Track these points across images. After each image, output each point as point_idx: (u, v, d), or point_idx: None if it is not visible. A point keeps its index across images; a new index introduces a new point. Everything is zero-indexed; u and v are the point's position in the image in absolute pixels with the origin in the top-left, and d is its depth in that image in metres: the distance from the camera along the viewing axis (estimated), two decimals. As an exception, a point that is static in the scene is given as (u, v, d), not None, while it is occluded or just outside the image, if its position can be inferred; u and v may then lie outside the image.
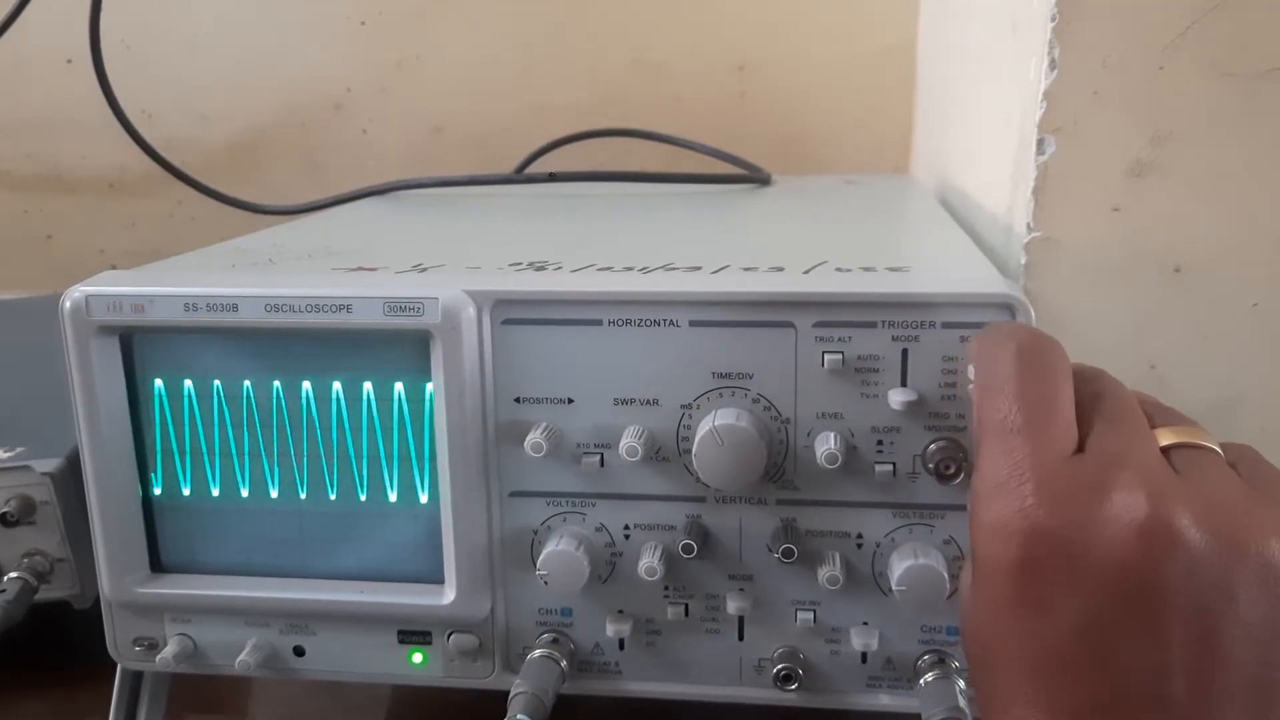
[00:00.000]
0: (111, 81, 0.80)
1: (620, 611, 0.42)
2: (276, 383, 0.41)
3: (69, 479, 0.50)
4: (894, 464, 0.38)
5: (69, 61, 0.97)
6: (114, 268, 0.44)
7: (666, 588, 0.41)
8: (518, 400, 0.40)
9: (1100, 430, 0.30)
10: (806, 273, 0.39)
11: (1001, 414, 0.30)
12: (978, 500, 0.30)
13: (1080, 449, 0.30)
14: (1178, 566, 0.27)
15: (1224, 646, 0.27)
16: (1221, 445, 0.32)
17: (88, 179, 1.03)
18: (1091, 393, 0.32)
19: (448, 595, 0.41)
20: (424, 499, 0.42)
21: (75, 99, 0.89)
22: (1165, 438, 0.31)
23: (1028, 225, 0.45)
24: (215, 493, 0.43)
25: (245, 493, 0.43)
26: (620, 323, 0.38)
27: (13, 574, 0.50)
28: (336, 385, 0.41)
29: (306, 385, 0.41)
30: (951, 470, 0.37)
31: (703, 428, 0.38)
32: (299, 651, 0.44)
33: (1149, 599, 0.27)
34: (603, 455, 0.40)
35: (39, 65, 0.99)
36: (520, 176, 0.79)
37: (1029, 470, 0.29)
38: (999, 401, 0.31)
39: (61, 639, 0.56)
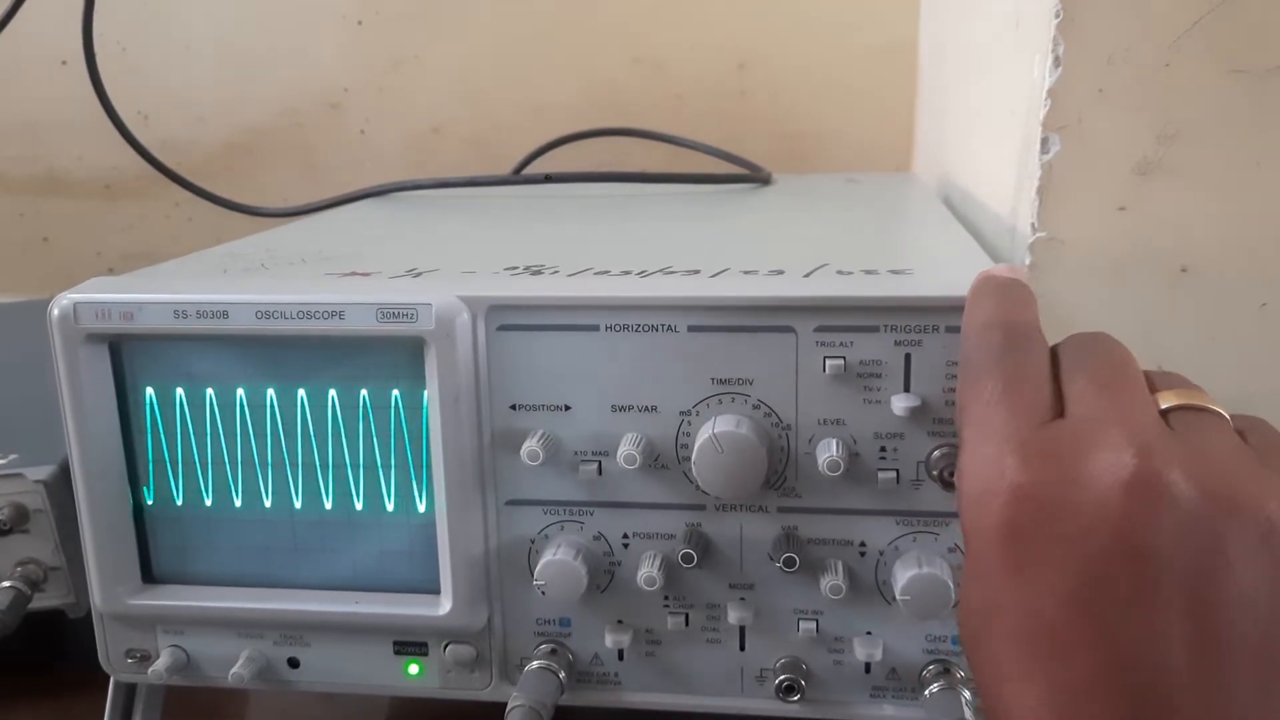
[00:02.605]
0: (107, 83, 0.80)
1: (619, 621, 0.41)
2: (269, 390, 0.41)
3: (63, 487, 0.49)
4: (897, 471, 0.37)
5: (64, 63, 0.97)
6: (111, 271, 0.43)
7: (666, 597, 0.40)
8: (514, 407, 0.39)
9: (1086, 394, 0.29)
10: (807, 276, 0.38)
11: (980, 397, 0.30)
12: (962, 480, 0.29)
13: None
14: (1167, 524, 0.25)
15: (1224, 614, 0.25)
16: (1231, 415, 0.30)
17: (84, 181, 1.02)
18: (1083, 360, 0.31)
19: (444, 606, 0.41)
20: (419, 508, 0.41)
21: (71, 100, 0.89)
22: (1167, 400, 0.30)
23: (1032, 225, 0.45)
24: (208, 502, 0.42)
25: (238, 502, 0.42)
26: (617, 328, 0.38)
27: (6, 583, 0.49)
28: (330, 393, 0.41)
29: (300, 393, 0.41)
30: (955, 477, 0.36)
31: (702, 435, 0.37)
32: (293, 663, 0.44)
33: (1138, 559, 0.25)
34: (600, 463, 0.39)
35: (34, 66, 0.98)
36: (518, 178, 0.78)
37: (1008, 439, 0.28)
38: (975, 387, 0.31)
39: (56, 648, 0.56)
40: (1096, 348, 0.32)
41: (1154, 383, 0.31)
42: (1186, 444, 0.27)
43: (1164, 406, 0.30)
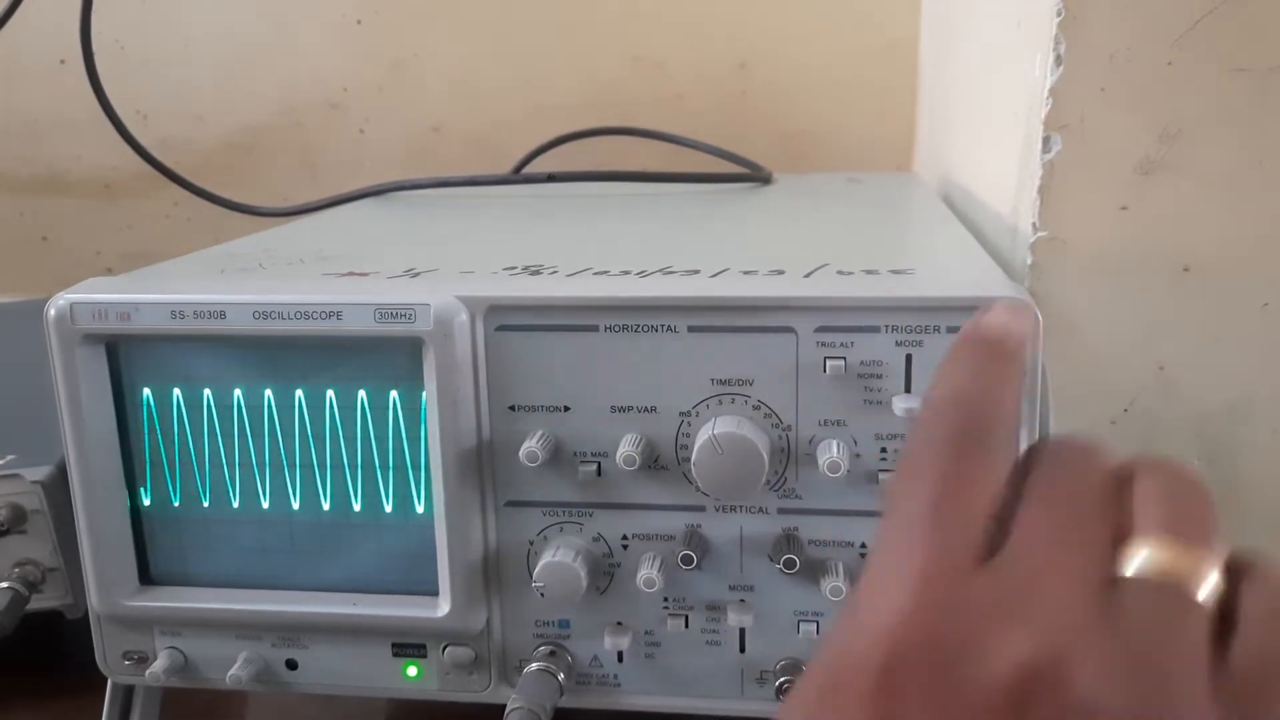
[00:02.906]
0: (106, 82, 0.80)
1: (619, 623, 0.41)
2: (267, 391, 0.41)
3: (60, 487, 0.49)
4: (898, 472, 0.37)
5: (62, 62, 0.96)
6: (110, 270, 0.43)
7: (666, 599, 0.40)
8: (512, 408, 0.39)
9: (1029, 533, 0.25)
10: (807, 276, 0.38)
11: (907, 503, 0.25)
12: (858, 590, 0.25)
13: (1000, 550, 0.25)
14: None
15: None
16: (1243, 568, 0.24)
17: (83, 180, 1.02)
18: (1050, 481, 0.26)
19: (442, 607, 0.40)
20: (418, 509, 0.41)
21: (69, 100, 0.89)
22: (1137, 556, 0.24)
23: (1034, 225, 0.44)
24: (205, 503, 0.42)
25: (236, 503, 0.42)
26: (617, 329, 0.38)
27: (4, 584, 0.49)
28: (328, 393, 0.40)
29: (298, 393, 0.40)
30: (957, 478, 0.36)
31: (702, 435, 0.37)
32: (291, 665, 0.43)
33: None
34: (600, 464, 0.39)
35: (33, 65, 0.98)
36: (518, 177, 0.78)
37: (916, 578, 0.24)
38: (908, 482, 0.26)
39: (54, 649, 0.56)
40: (1074, 467, 0.27)
41: (1138, 516, 0.25)
42: (1120, 635, 0.23)
43: (1129, 571, 0.24)
